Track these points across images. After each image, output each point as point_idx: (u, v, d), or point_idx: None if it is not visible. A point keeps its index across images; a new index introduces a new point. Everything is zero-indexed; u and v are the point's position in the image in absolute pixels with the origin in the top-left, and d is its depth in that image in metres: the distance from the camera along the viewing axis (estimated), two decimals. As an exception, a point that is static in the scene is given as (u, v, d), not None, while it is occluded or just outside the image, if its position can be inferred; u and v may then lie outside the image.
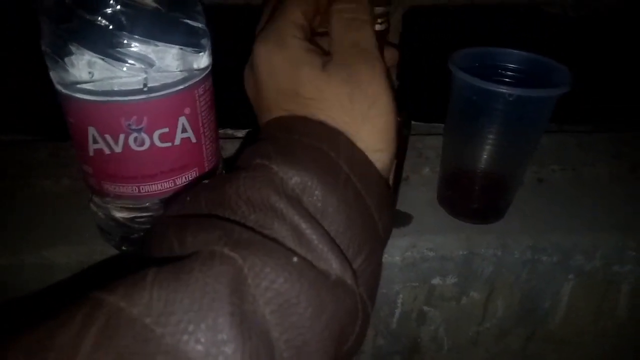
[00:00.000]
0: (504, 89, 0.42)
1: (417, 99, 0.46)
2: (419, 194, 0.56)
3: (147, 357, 0.19)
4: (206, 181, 0.31)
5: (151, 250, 0.28)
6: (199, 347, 0.20)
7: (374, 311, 0.55)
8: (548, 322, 0.58)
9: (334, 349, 0.26)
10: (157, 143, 0.38)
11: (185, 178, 0.41)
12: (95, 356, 0.19)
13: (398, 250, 0.51)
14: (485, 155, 0.47)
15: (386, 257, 0.51)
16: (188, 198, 0.29)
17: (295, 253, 0.25)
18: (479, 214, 0.52)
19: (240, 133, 0.64)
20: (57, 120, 0.40)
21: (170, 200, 0.37)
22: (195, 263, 0.23)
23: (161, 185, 0.40)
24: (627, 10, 0.52)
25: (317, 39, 0.37)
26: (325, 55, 0.34)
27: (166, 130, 0.37)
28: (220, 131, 0.63)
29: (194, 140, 0.40)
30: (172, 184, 0.41)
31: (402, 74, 0.56)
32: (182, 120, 0.38)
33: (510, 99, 0.42)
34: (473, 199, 0.52)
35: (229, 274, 0.22)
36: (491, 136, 0.46)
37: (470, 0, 0.53)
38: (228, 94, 0.45)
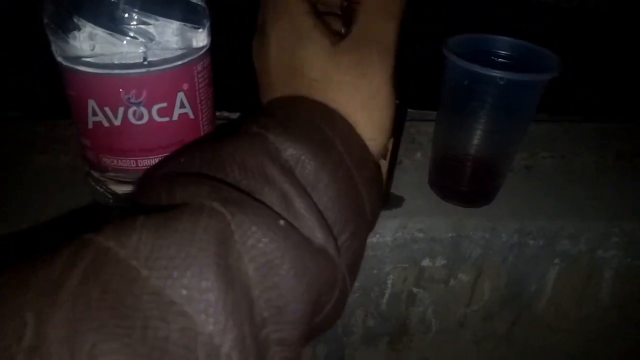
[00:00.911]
0: (495, 73, 0.43)
1: (411, 86, 0.47)
2: (411, 178, 0.57)
3: (133, 297, 0.20)
4: (202, 142, 0.31)
5: (139, 201, 0.28)
6: (183, 292, 0.21)
7: (365, 292, 0.57)
8: (533, 306, 0.60)
9: (311, 314, 0.27)
10: (156, 117, 0.38)
11: (183, 153, 0.42)
12: (81, 290, 0.20)
13: (389, 230, 0.52)
14: (475, 139, 0.49)
15: (377, 238, 0.52)
16: (182, 159, 0.30)
17: (282, 217, 0.26)
18: (468, 198, 0.53)
19: (236, 116, 0.65)
20: (54, 99, 0.40)
21: (165, 159, 0.38)
22: (184, 213, 0.23)
23: (159, 160, 0.41)
24: (616, 3, 0.53)
25: (329, 17, 0.37)
26: (334, 36, 0.34)
27: (165, 105, 0.38)
28: (217, 113, 0.64)
29: (191, 116, 0.41)
30: None
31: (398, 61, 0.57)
32: (181, 95, 0.39)
33: (502, 82, 0.43)
34: (463, 182, 0.53)
35: (216, 227, 0.23)
36: (482, 120, 0.47)
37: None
38: (226, 76, 0.46)
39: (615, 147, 0.61)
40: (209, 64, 0.41)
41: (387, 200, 0.53)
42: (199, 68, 0.39)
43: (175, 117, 0.39)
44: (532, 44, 0.48)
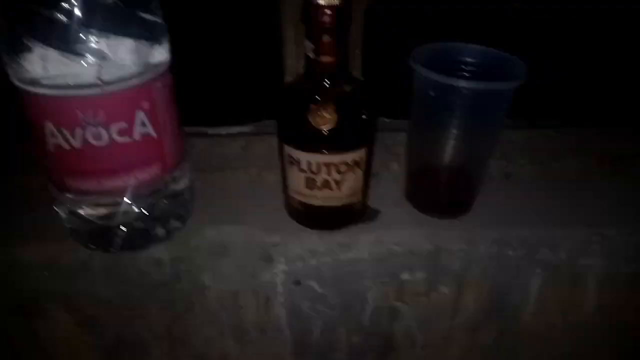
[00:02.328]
0: (460, 83, 0.43)
1: (384, 96, 0.47)
2: (387, 190, 0.56)
3: None
4: None
5: None
6: None
7: (345, 308, 0.56)
8: (518, 316, 0.59)
9: None
10: (116, 137, 0.38)
11: (147, 173, 0.42)
12: None
13: (366, 245, 0.51)
14: (447, 149, 0.48)
15: (355, 252, 0.52)
16: None
17: None
18: (444, 209, 0.53)
19: (211, 130, 0.65)
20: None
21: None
22: None
23: (122, 181, 0.41)
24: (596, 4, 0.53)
25: None
26: None
27: (124, 124, 0.38)
28: (190, 128, 0.63)
29: (154, 134, 0.40)
30: (134, 179, 0.41)
31: (370, 70, 0.57)
32: (140, 114, 0.38)
33: (466, 92, 0.43)
34: (438, 193, 0.52)
35: None
36: (452, 130, 0.46)
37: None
38: (197, 91, 0.46)
39: (595, 153, 0.61)
40: (170, 80, 0.41)
41: (363, 213, 0.52)
42: (159, 85, 0.39)
43: (136, 136, 0.39)
44: (497, 51, 0.47)
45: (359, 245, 0.52)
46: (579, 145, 0.62)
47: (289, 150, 0.46)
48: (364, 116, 0.45)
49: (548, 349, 0.62)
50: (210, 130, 0.64)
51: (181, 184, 0.47)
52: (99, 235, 0.46)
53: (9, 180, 0.57)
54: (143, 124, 0.39)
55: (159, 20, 0.38)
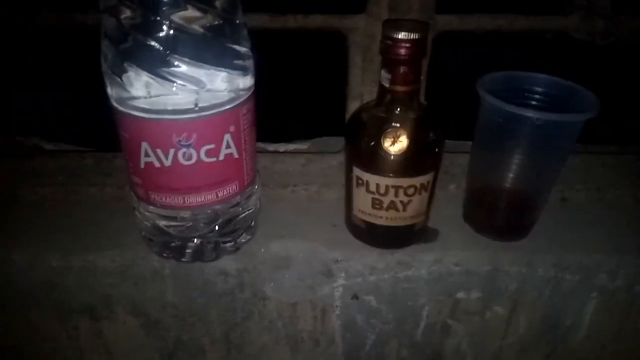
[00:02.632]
0: (530, 114, 0.44)
1: (444, 120, 0.48)
2: (446, 210, 0.57)
3: None
4: None
5: None
6: None
7: (399, 323, 0.57)
8: (569, 339, 0.59)
9: None
10: (203, 158, 0.40)
11: (227, 191, 0.44)
12: None
13: (424, 264, 0.53)
14: (511, 175, 0.49)
15: (412, 271, 0.53)
16: None
17: None
18: (503, 232, 0.54)
19: (271, 147, 0.67)
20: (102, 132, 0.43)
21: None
22: None
23: (204, 197, 0.43)
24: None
25: None
26: None
27: (212, 146, 0.40)
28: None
29: (236, 155, 0.43)
30: (215, 196, 0.44)
31: (434, 94, 0.58)
32: (227, 137, 0.41)
33: (538, 122, 0.44)
34: (498, 216, 0.53)
35: None
36: (517, 157, 0.47)
37: (498, 27, 0.54)
38: (261, 109, 0.48)
39: (652, 180, 0.61)
40: (254, 104, 0.43)
41: (423, 234, 0.54)
42: (244, 110, 0.41)
43: (221, 157, 0.41)
44: (568, 82, 0.48)
45: (418, 264, 0.53)
46: (636, 170, 0.62)
47: (358, 172, 0.48)
48: (433, 142, 0.47)
49: (598, 373, 0.62)
50: (270, 147, 0.66)
51: (252, 201, 0.50)
52: (173, 246, 0.49)
53: (83, 192, 0.60)
54: (228, 146, 0.41)
55: (247, 51, 0.40)
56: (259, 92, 0.44)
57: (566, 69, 0.50)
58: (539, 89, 0.50)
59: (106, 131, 0.44)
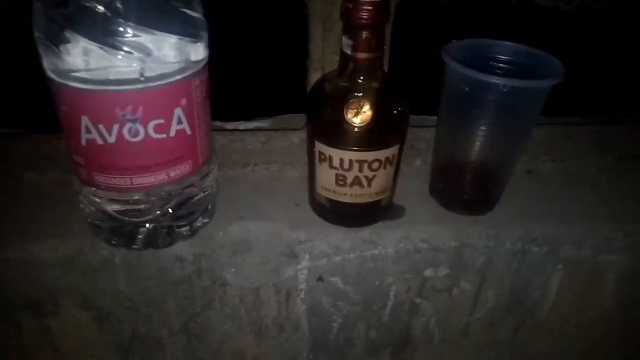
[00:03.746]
0: (497, 80, 0.42)
1: (409, 91, 0.46)
2: (412, 186, 0.56)
3: None
4: None
5: None
6: None
7: (367, 304, 0.56)
8: (537, 311, 0.59)
9: None
10: (152, 134, 0.37)
11: (180, 170, 0.41)
12: None
13: (391, 242, 0.51)
14: (477, 146, 0.48)
15: (379, 249, 0.51)
16: None
17: None
18: (470, 205, 0.52)
19: (230, 125, 0.63)
20: (40, 113, 0.39)
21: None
22: None
23: (154, 178, 0.40)
24: (615, 4, 0.53)
25: None
26: None
27: (161, 121, 0.37)
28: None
29: (189, 131, 0.39)
30: (166, 176, 0.40)
31: (396, 66, 0.56)
32: (178, 111, 0.37)
33: (504, 89, 0.42)
34: (464, 190, 0.52)
35: None
36: (483, 127, 0.46)
37: (462, -7, 0.53)
38: (217, 85, 0.45)
39: (616, 149, 0.61)
40: (207, 77, 0.40)
41: (389, 210, 0.52)
42: (197, 82, 0.38)
43: (172, 133, 0.38)
44: (533, 49, 0.47)
45: (384, 242, 0.51)
46: (599, 142, 0.62)
47: (320, 147, 0.45)
48: (398, 112, 0.45)
49: (565, 344, 0.63)
50: (229, 125, 0.62)
51: (209, 181, 0.46)
52: (123, 232, 0.45)
53: (21, 177, 0.55)
54: (179, 121, 0.38)
55: (200, 16, 0.37)
56: (217, 67, 0.41)
57: (531, 36, 0.48)
58: (505, 57, 0.48)
59: (45, 110, 0.40)
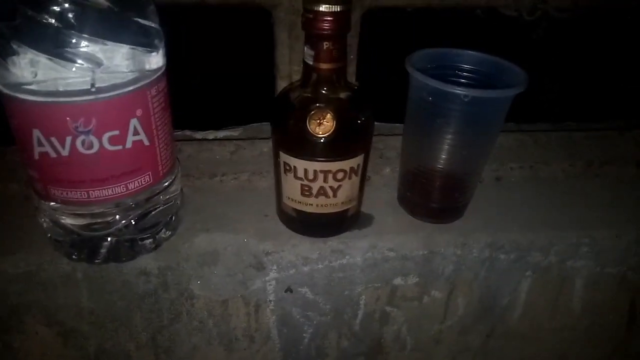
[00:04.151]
0: (459, 90, 0.42)
1: (377, 100, 0.46)
2: (380, 194, 0.56)
3: None
4: None
5: None
6: None
7: (337, 314, 0.55)
8: (507, 318, 0.59)
9: None
10: (107, 146, 0.36)
11: (139, 182, 0.40)
12: None
13: (359, 251, 0.51)
14: (443, 155, 0.48)
15: (347, 259, 0.51)
16: None
17: None
18: (438, 214, 0.52)
19: (199, 135, 0.63)
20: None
21: None
22: None
23: (112, 190, 0.39)
24: (578, 12, 0.54)
25: None
26: None
27: (116, 132, 0.36)
28: (178, 132, 0.61)
29: (146, 142, 0.38)
30: (124, 188, 0.39)
31: (364, 74, 0.56)
32: (134, 122, 0.36)
33: (466, 99, 0.42)
34: (432, 198, 0.52)
35: None
36: (448, 136, 0.46)
37: (428, 3, 0.53)
38: (186, 94, 0.44)
39: (584, 155, 0.61)
40: (165, 86, 0.39)
41: (357, 220, 0.51)
42: (154, 92, 0.37)
43: (128, 144, 0.37)
44: (497, 58, 0.47)
45: (352, 251, 0.51)
46: (567, 148, 0.63)
47: (285, 157, 0.45)
48: (362, 122, 0.44)
49: (536, 350, 0.63)
50: (197, 135, 0.62)
51: (172, 192, 0.46)
52: (83, 246, 0.44)
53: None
54: (136, 132, 0.37)
55: (155, 26, 0.36)
56: (186, 76, 0.40)
57: (497, 46, 0.49)
58: (468, 66, 0.48)
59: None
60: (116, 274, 0.48)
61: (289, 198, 0.47)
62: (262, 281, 0.51)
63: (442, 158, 0.48)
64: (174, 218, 0.48)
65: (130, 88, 0.35)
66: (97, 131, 0.35)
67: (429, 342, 0.61)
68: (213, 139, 0.61)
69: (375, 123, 0.47)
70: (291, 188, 0.46)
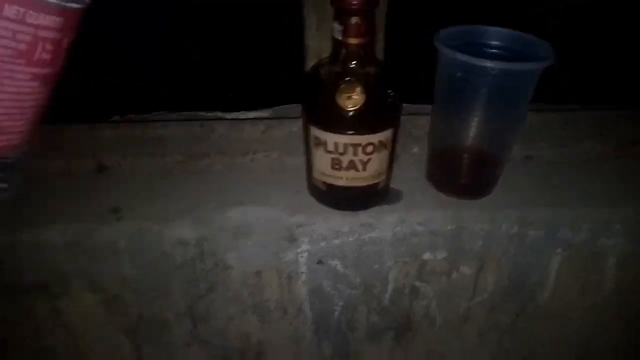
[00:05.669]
0: (488, 63, 0.43)
1: (406, 80, 0.47)
2: (409, 172, 0.56)
3: None
4: None
5: None
6: None
7: (367, 288, 0.57)
8: (537, 296, 0.59)
9: None
10: None
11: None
12: None
13: (389, 225, 0.52)
14: (471, 131, 0.48)
15: (377, 232, 0.52)
16: None
17: None
18: (466, 190, 0.53)
19: (230, 115, 0.65)
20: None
21: None
22: None
23: None
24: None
25: None
26: None
27: None
28: (210, 113, 0.64)
29: None
30: None
31: (392, 55, 0.57)
32: None
33: (494, 72, 0.43)
34: (461, 175, 0.52)
35: None
36: (476, 111, 0.47)
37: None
38: (215, 77, 0.46)
39: (614, 135, 0.61)
40: None
41: (386, 194, 0.53)
42: None
43: None
44: (524, 34, 0.47)
45: (381, 225, 0.52)
46: (597, 127, 0.62)
47: (316, 131, 0.46)
48: (390, 97, 0.46)
49: (564, 329, 0.63)
50: (229, 115, 0.64)
51: None
52: None
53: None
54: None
55: None
56: (218, 60, 0.41)
57: (527, 23, 0.49)
58: (495, 42, 0.49)
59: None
60: (156, 243, 0.51)
61: (319, 172, 0.49)
62: (294, 253, 0.53)
63: (470, 134, 0.49)
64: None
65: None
66: None
67: (458, 319, 0.62)
68: (244, 119, 0.63)
69: (404, 104, 0.48)
70: (322, 162, 0.48)
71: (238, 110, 0.65)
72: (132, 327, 0.58)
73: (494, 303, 0.60)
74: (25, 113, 0.27)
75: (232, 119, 0.63)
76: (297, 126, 0.61)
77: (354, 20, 0.41)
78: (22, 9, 0.23)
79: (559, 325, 0.63)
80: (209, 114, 0.63)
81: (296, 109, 0.65)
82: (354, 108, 0.43)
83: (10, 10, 0.23)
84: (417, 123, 0.61)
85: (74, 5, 0.25)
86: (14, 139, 0.29)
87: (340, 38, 0.42)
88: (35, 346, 0.59)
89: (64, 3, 0.24)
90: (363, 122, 0.44)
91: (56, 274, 0.53)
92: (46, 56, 0.25)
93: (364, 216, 0.52)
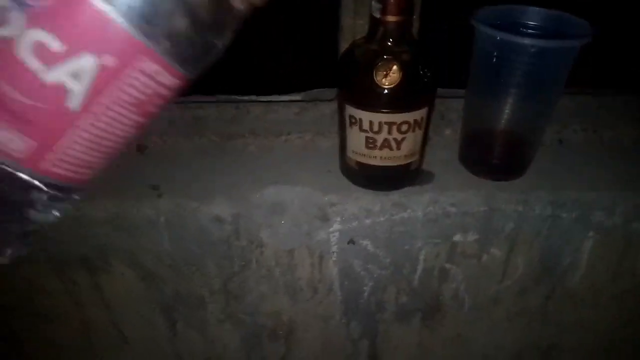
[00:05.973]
0: (525, 41, 0.43)
1: (439, 63, 0.47)
2: (441, 154, 0.57)
3: None
4: None
5: None
6: None
7: (397, 268, 0.57)
8: (568, 280, 0.59)
9: None
10: None
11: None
12: None
13: (420, 205, 0.53)
14: (506, 111, 0.49)
15: (409, 212, 0.53)
16: None
17: None
18: (499, 171, 0.53)
19: (264, 98, 0.66)
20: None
21: None
22: None
23: None
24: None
25: None
26: None
27: None
28: (244, 97, 0.65)
29: None
30: None
31: (426, 40, 0.57)
32: None
33: (532, 50, 0.43)
34: (494, 155, 0.53)
35: None
36: (512, 91, 0.47)
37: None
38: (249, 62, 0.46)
39: (649, 120, 0.60)
40: None
41: (418, 175, 0.53)
42: None
43: None
44: (561, 12, 0.47)
45: (413, 205, 0.53)
46: (632, 111, 0.62)
47: (350, 110, 0.47)
48: (426, 77, 0.46)
49: (594, 315, 0.63)
50: (263, 98, 0.65)
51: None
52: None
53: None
54: None
55: None
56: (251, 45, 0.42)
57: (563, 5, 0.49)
58: (532, 22, 0.49)
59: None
60: (193, 219, 0.52)
61: (353, 151, 0.50)
62: (326, 232, 0.54)
63: (505, 114, 0.49)
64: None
65: None
66: None
67: (487, 302, 0.62)
68: (278, 101, 0.64)
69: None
70: (356, 141, 0.49)
71: (271, 95, 0.66)
72: (168, 303, 0.60)
73: (524, 286, 0.60)
74: (114, 155, 0.30)
75: (266, 102, 0.64)
76: (329, 109, 0.62)
77: (393, -2, 0.42)
78: (159, 69, 0.25)
79: (588, 311, 0.62)
80: (244, 97, 0.64)
81: (328, 92, 0.66)
82: (390, 86, 0.44)
83: (150, 67, 0.25)
84: (450, 106, 0.61)
85: (190, 76, 0.27)
86: (94, 174, 0.31)
87: (378, 16, 0.43)
88: (76, 319, 0.61)
89: (187, 73, 0.26)
90: (398, 100, 0.45)
91: (97, 248, 0.54)
92: (153, 110, 0.27)
93: (395, 196, 0.52)
